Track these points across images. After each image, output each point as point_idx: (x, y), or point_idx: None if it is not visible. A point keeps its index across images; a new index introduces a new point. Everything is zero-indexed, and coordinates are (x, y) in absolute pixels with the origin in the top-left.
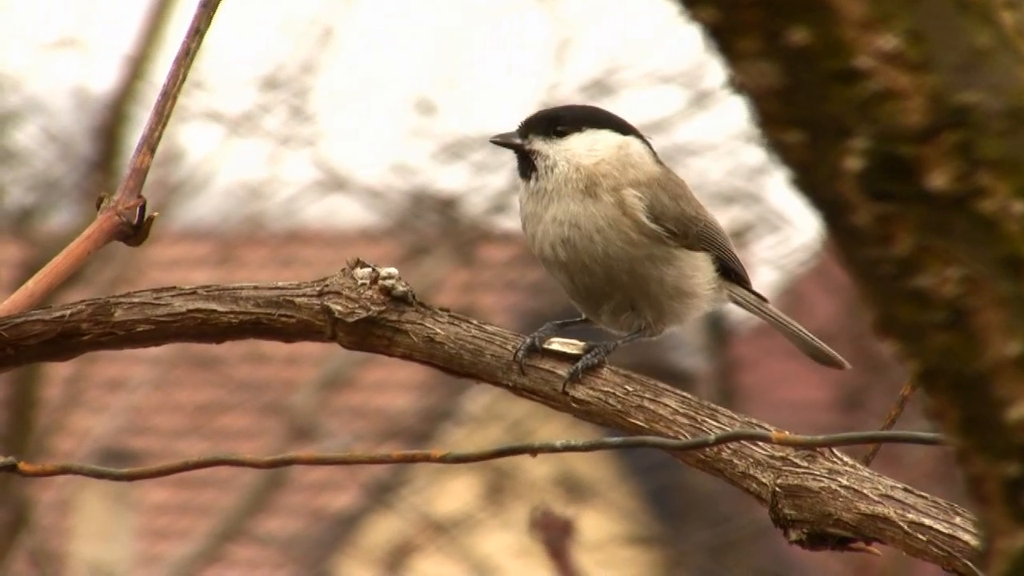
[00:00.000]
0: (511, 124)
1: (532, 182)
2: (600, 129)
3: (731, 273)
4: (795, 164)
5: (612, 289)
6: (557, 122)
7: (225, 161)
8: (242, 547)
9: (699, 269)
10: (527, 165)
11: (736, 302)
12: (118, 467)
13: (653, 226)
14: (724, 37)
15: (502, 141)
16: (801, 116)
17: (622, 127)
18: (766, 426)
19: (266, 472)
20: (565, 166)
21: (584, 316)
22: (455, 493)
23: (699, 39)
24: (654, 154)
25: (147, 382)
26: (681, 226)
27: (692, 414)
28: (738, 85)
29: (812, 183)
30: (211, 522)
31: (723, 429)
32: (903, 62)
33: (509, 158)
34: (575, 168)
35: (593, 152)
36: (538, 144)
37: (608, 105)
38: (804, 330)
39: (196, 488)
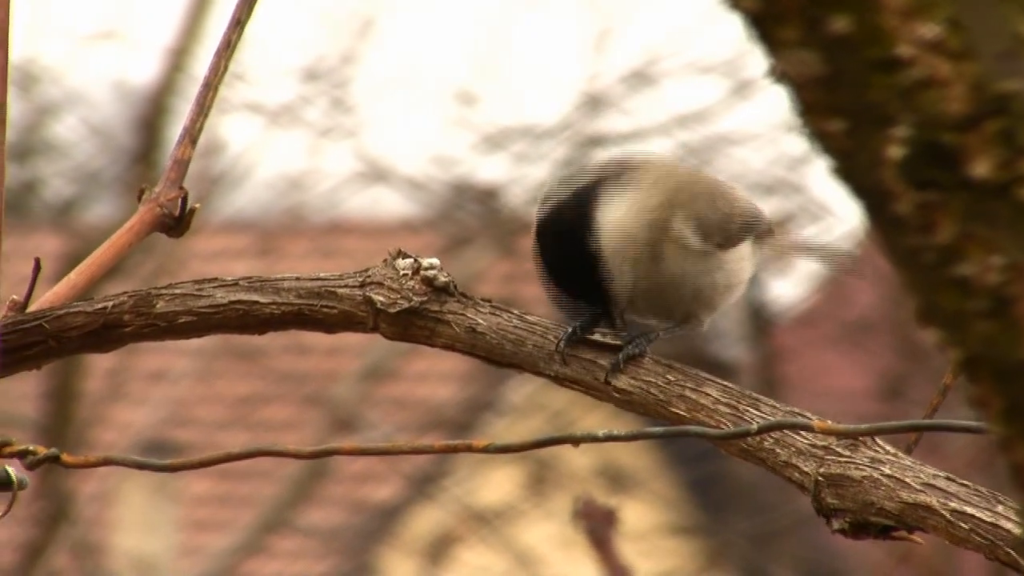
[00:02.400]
0: (550, 113)
1: None
2: None
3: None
4: (836, 153)
5: (672, 306)
6: None
7: (266, 153)
8: (284, 538)
9: (744, 259)
10: None
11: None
12: (160, 459)
13: (704, 246)
14: (765, 26)
15: None
16: (842, 105)
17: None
18: (808, 415)
19: (308, 463)
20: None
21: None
22: (497, 484)
23: (740, 28)
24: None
25: (189, 374)
26: (724, 232)
27: (734, 403)
28: (779, 74)
29: (853, 172)
30: (253, 513)
31: (765, 418)
32: (944, 50)
33: (550, 149)
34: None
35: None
36: None
37: (649, 95)
38: (816, 244)
39: (238, 479)
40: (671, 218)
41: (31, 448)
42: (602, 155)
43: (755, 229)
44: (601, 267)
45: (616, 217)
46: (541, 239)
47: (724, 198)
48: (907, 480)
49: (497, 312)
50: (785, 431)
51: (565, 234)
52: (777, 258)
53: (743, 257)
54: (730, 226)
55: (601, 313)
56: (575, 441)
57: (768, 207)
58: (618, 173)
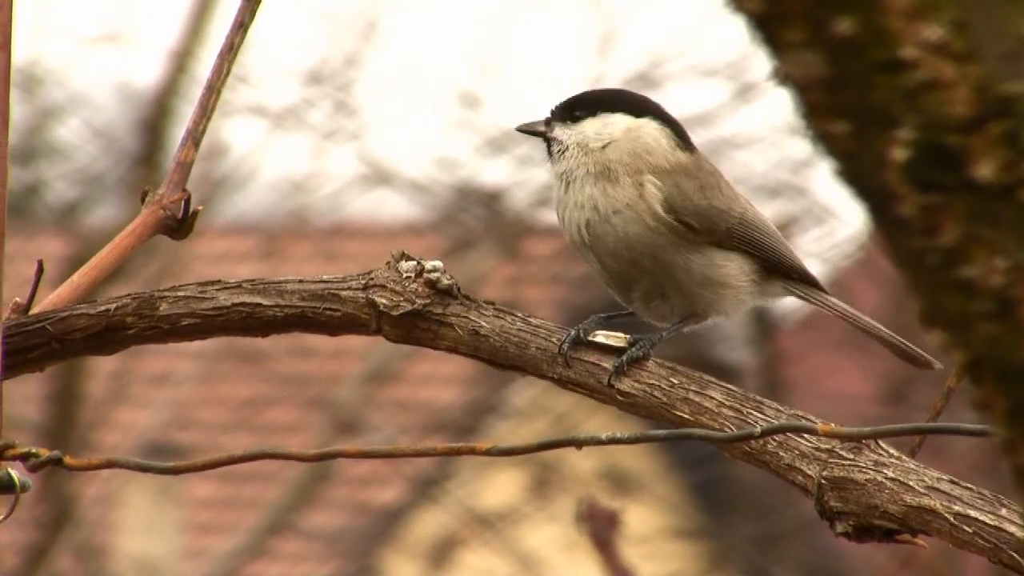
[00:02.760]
0: (543, 113)
1: (551, 168)
2: (613, 112)
3: (784, 269)
4: (841, 155)
5: (638, 273)
6: (575, 107)
7: (269, 155)
8: (287, 541)
9: (730, 259)
10: (549, 152)
11: (796, 295)
12: (163, 461)
13: (667, 217)
14: (769, 28)
15: (527, 129)
16: (847, 106)
17: (638, 110)
18: (812, 418)
19: (311, 466)
20: (575, 150)
21: (629, 309)
22: (500, 487)
23: (744, 30)
24: (682, 139)
25: (192, 376)
26: (706, 221)
27: (738, 406)
28: (783, 76)
29: (858, 174)
30: (256, 516)
31: (769, 421)
32: (949, 52)
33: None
34: (584, 152)
35: (600, 136)
36: (557, 131)
37: (652, 98)
38: (880, 326)
39: (241, 482)
40: (646, 183)
41: (34, 451)
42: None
43: (760, 248)
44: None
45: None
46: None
47: (719, 192)
48: (911, 483)
49: (500, 315)
50: (789, 434)
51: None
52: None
53: (729, 257)
54: (715, 222)
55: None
56: (578, 444)
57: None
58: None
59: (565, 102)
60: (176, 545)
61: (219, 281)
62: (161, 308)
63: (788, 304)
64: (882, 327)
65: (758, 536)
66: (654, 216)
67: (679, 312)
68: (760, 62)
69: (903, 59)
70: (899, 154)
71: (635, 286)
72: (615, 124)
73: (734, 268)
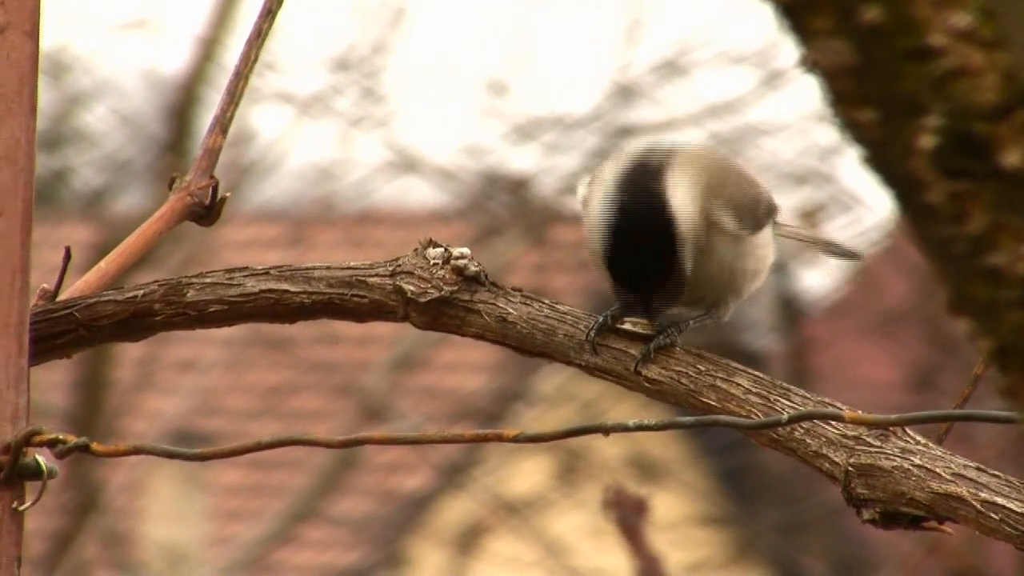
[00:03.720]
0: (581, 103)
1: None
2: None
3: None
4: (868, 142)
5: (705, 294)
6: None
7: (296, 142)
8: (314, 528)
9: (768, 244)
10: None
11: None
12: (190, 448)
13: (740, 230)
14: (797, 15)
15: None
16: (874, 94)
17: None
18: (839, 405)
19: (338, 453)
20: None
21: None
22: (527, 474)
23: (771, 18)
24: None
25: (219, 363)
26: (753, 215)
27: (765, 393)
28: (810, 64)
29: (885, 161)
30: (283, 503)
31: (796, 409)
32: (976, 39)
33: (581, 139)
34: None
35: None
36: None
37: (680, 85)
38: (815, 235)
39: (268, 469)
40: (712, 205)
41: (61, 437)
42: (636, 143)
43: (774, 214)
44: (678, 255)
45: (684, 205)
46: (615, 226)
47: (749, 181)
48: (937, 470)
49: (528, 301)
50: (815, 421)
51: (643, 222)
52: (788, 245)
53: (767, 242)
54: (758, 210)
55: (640, 303)
56: (605, 431)
57: (799, 198)
58: (666, 161)
59: None
60: (203, 532)
61: (246, 268)
62: (188, 295)
63: (813, 293)
64: (803, 231)
65: (785, 524)
66: (725, 234)
67: (727, 307)
68: (787, 50)
69: (931, 47)
70: (927, 142)
71: (695, 303)
72: None
73: (770, 252)
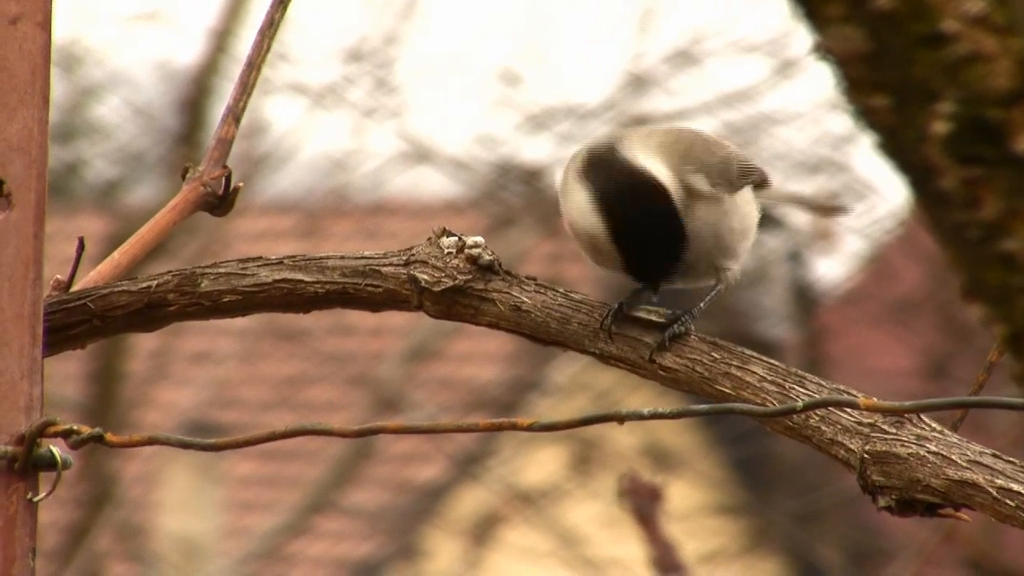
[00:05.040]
0: (594, 93)
1: None
2: None
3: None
4: (881, 129)
5: (700, 260)
6: None
7: (309, 133)
8: (329, 519)
9: (749, 203)
10: None
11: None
12: (204, 439)
13: (714, 190)
14: (810, 2)
15: None
16: (887, 80)
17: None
18: (854, 393)
19: (353, 443)
20: None
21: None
22: (542, 464)
23: (784, 6)
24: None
25: (233, 355)
26: (726, 175)
27: (779, 381)
28: (824, 51)
29: (898, 148)
30: (297, 494)
31: (811, 396)
32: (989, 25)
33: (594, 129)
34: None
35: None
36: None
37: (693, 75)
38: (799, 194)
39: (282, 460)
40: (683, 171)
41: (75, 428)
42: (591, 136)
43: (752, 176)
44: (676, 218)
45: (661, 171)
46: (608, 203)
47: (715, 144)
48: (953, 457)
49: (542, 290)
50: (830, 409)
51: (635, 194)
52: (772, 207)
53: (748, 201)
54: (729, 171)
55: (649, 272)
56: (620, 419)
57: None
58: (625, 140)
59: None
60: (217, 524)
61: (260, 258)
62: (202, 285)
63: (827, 281)
64: (787, 193)
65: (799, 512)
66: (703, 198)
67: (724, 272)
68: (800, 38)
69: (944, 32)
70: (940, 128)
71: (692, 272)
72: None
73: (753, 210)
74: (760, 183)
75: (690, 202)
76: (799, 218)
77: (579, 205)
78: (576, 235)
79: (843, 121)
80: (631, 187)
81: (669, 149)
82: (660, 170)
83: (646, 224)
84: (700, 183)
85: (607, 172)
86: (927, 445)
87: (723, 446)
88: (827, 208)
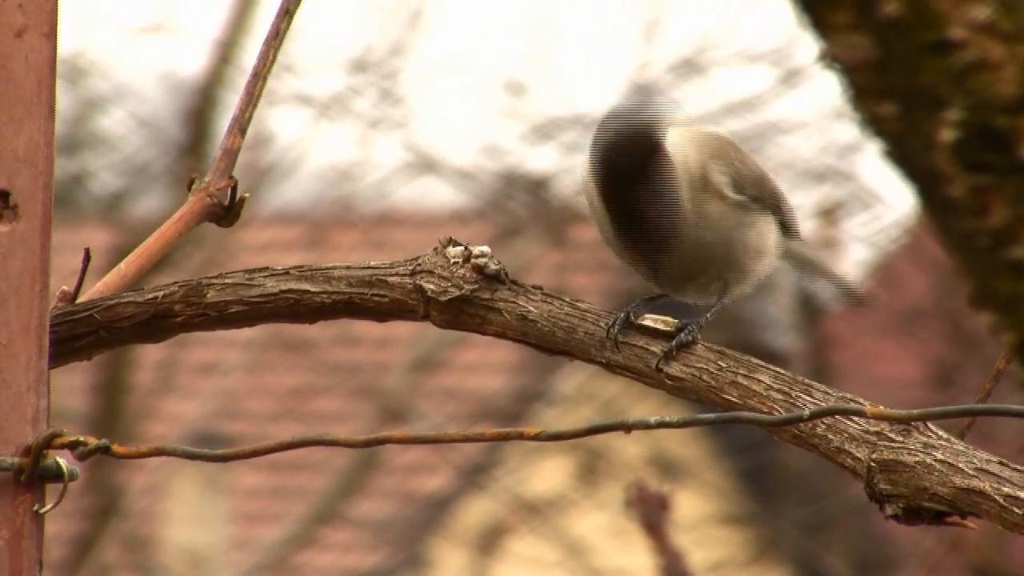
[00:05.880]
0: (600, 102)
1: None
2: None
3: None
4: (889, 136)
5: (706, 265)
6: None
7: (315, 144)
8: (335, 530)
9: (772, 228)
10: None
11: (788, 255)
12: (211, 450)
13: (736, 196)
14: (816, 10)
15: None
16: (894, 88)
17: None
18: (861, 401)
19: (359, 454)
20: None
21: (664, 292)
22: (548, 474)
23: (789, 15)
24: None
25: (239, 366)
26: (757, 188)
27: (786, 389)
28: (830, 58)
29: (906, 155)
30: (304, 505)
31: (817, 404)
32: (996, 32)
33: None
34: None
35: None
36: None
37: (698, 84)
38: (823, 262)
39: (288, 471)
40: (710, 165)
41: (81, 439)
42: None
43: (782, 207)
44: (674, 203)
45: (678, 147)
46: (614, 165)
47: (754, 162)
48: (960, 465)
49: (548, 299)
50: (837, 417)
51: (641, 164)
52: (792, 263)
53: (771, 228)
54: (762, 189)
55: (642, 240)
56: (627, 428)
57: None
58: (665, 116)
59: None
60: (224, 535)
61: (266, 268)
62: (209, 295)
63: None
64: (811, 253)
65: (806, 522)
66: (722, 198)
67: (731, 288)
68: (806, 47)
69: (950, 40)
70: (947, 135)
71: (698, 277)
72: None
73: (772, 235)
74: (789, 225)
75: (708, 200)
76: (805, 226)
77: (583, 166)
78: (592, 214)
79: (849, 130)
80: (627, 140)
81: (703, 141)
82: (679, 144)
83: (631, 170)
84: (722, 182)
85: (610, 130)
86: (934, 453)
87: (730, 455)
88: (844, 287)
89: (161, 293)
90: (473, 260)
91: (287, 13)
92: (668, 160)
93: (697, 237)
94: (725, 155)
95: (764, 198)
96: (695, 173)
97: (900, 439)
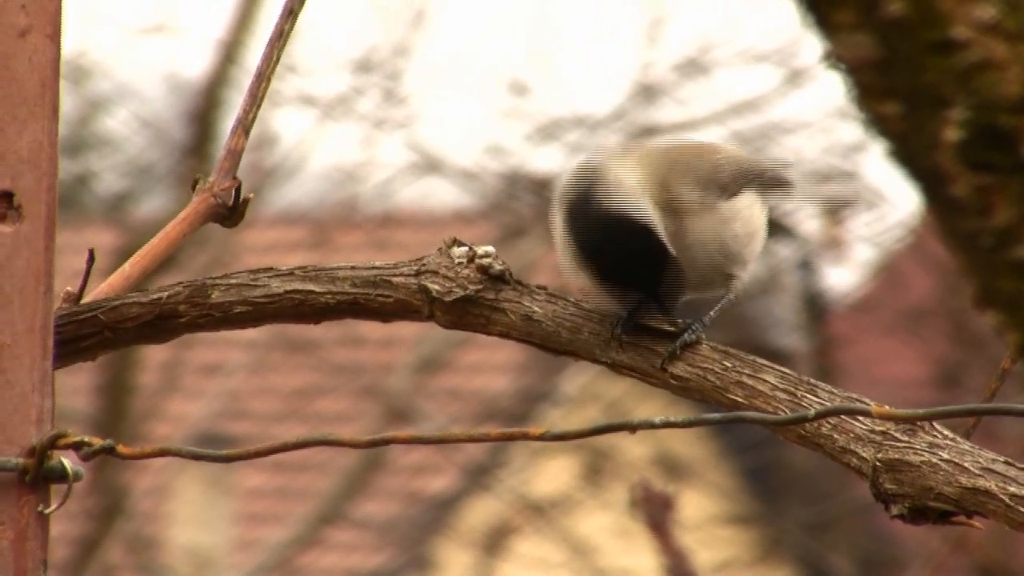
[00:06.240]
0: (604, 103)
1: None
2: None
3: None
4: (892, 136)
5: (708, 273)
6: None
7: (319, 145)
8: (340, 531)
9: (753, 206)
10: None
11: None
12: (215, 451)
13: (711, 196)
14: (820, 9)
15: None
16: (898, 87)
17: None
18: (866, 401)
19: (363, 454)
20: None
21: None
22: (553, 474)
23: (793, 15)
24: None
25: (243, 367)
26: (717, 181)
27: (791, 389)
28: (834, 58)
29: (910, 155)
30: (308, 506)
31: (823, 404)
32: (1000, 32)
33: (603, 139)
34: None
35: None
36: None
37: (702, 84)
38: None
39: (293, 472)
40: (670, 183)
41: (86, 439)
42: (577, 161)
43: (753, 178)
44: (657, 241)
45: (637, 194)
46: (587, 236)
47: (708, 150)
48: (966, 465)
49: (553, 300)
50: (843, 417)
51: (614, 225)
52: (785, 212)
53: (750, 204)
54: (719, 175)
55: (650, 299)
56: (632, 428)
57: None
58: (606, 161)
59: None
60: (228, 536)
61: (271, 268)
62: (213, 296)
63: (838, 290)
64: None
65: (812, 522)
66: (700, 206)
67: (722, 284)
68: (810, 46)
69: (954, 39)
70: (951, 135)
71: (707, 285)
72: None
73: (757, 209)
74: (776, 184)
75: (683, 219)
76: (810, 226)
77: (567, 254)
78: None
79: (853, 129)
80: (613, 234)
81: (654, 166)
82: (642, 202)
83: (633, 270)
84: (690, 195)
85: (588, 221)
86: (939, 453)
87: (735, 456)
88: (835, 205)
89: (165, 294)
90: (477, 260)
91: (291, 13)
92: (647, 225)
93: (686, 255)
94: (678, 166)
95: (728, 183)
96: (657, 196)
97: (905, 439)
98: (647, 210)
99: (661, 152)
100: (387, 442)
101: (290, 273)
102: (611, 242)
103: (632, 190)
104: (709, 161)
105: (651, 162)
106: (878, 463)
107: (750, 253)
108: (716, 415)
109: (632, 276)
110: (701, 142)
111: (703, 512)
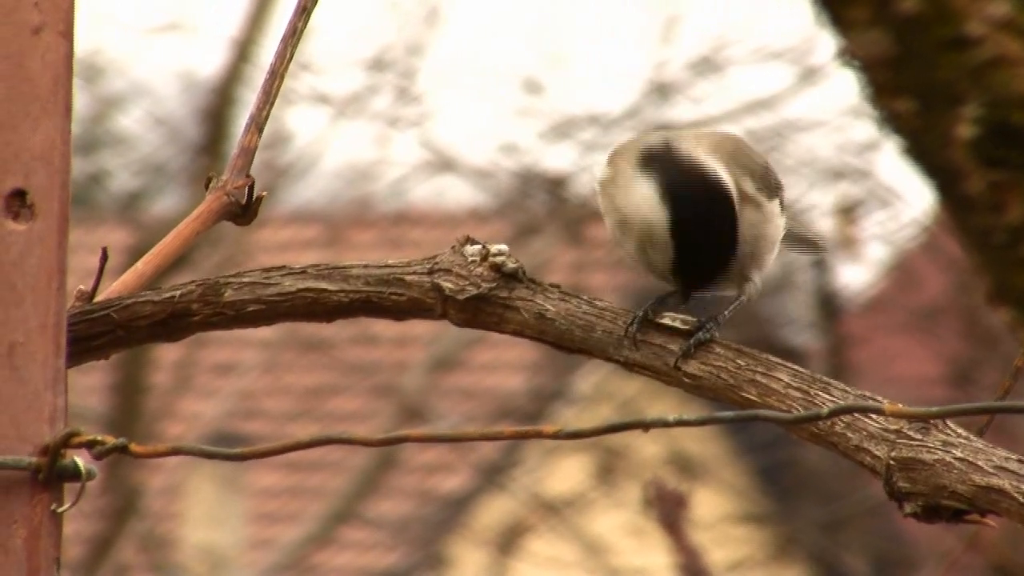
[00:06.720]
0: (617, 101)
1: None
2: None
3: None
4: (906, 133)
5: (735, 269)
6: None
7: (332, 143)
8: (353, 530)
9: (779, 216)
10: None
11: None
12: (229, 449)
13: (760, 196)
14: (834, 7)
15: None
16: (912, 84)
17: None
18: (879, 399)
19: (377, 453)
20: None
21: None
22: (566, 473)
23: (807, 12)
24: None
25: (256, 366)
26: (767, 182)
27: (805, 388)
28: (848, 55)
29: (924, 152)
30: (322, 505)
31: (836, 402)
32: (1014, 28)
33: (617, 137)
34: None
35: None
36: None
37: (716, 82)
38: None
39: (306, 471)
40: (736, 174)
41: (99, 438)
42: (640, 134)
43: (782, 190)
44: (735, 230)
45: (726, 176)
46: (681, 199)
47: (756, 152)
48: (979, 463)
49: (566, 298)
50: (856, 415)
51: (710, 194)
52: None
53: (778, 213)
54: (769, 178)
55: (691, 287)
56: (645, 426)
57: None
58: (683, 141)
59: None
60: (242, 535)
61: (284, 267)
62: (226, 294)
63: (852, 288)
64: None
65: (825, 521)
66: (755, 204)
67: (738, 284)
68: (824, 45)
69: (968, 36)
70: (965, 131)
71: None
72: None
73: (781, 221)
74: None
75: (741, 204)
76: (823, 225)
77: (642, 196)
78: (629, 229)
79: (867, 127)
80: (699, 181)
81: (719, 150)
82: (720, 168)
83: (710, 219)
84: (749, 186)
85: (673, 165)
86: (953, 451)
87: (748, 454)
88: (814, 246)
89: (178, 292)
90: (491, 259)
91: (304, 11)
92: (731, 196)
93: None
94: (739, 157)
95: (773, 187)
96: (735, 186)
97: (919, 437)
98: (724, 173)
99: (720, 139)
100: (401, 440)
101: (303, 271)
102: (693, 189)
103: (711, 162)
104: (760, 162)
105: (714, 146)
106: (891, 461)
107: (769, 259)
108: (729, 413)
109: (713, 243)
110: (744, 139)
111: (716, 511)
